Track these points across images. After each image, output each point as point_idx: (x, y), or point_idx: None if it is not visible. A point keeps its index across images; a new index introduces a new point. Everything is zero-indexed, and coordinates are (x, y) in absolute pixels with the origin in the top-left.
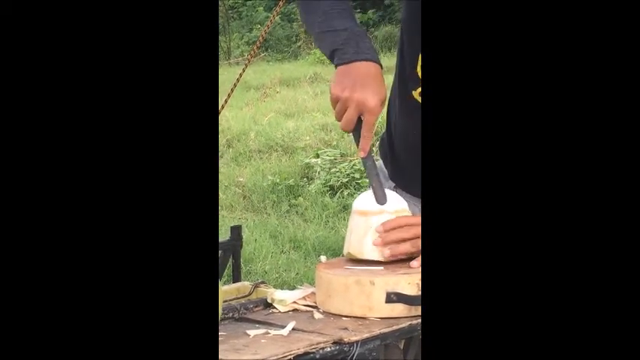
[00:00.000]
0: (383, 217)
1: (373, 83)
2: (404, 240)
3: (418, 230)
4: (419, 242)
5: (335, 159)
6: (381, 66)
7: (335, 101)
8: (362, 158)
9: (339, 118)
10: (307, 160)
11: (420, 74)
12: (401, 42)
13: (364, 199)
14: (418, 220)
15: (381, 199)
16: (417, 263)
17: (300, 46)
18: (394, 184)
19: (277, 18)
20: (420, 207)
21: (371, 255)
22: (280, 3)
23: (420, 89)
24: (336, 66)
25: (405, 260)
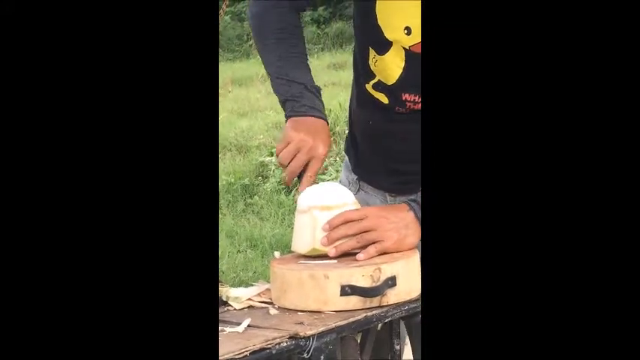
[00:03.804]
0: (331, 212)
1: (323, 135)
2: (348, 236)
3: (363, 225)
4: (364, 236)
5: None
6: (327, 124)
7: (288, 141)
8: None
9: (287, 158)
10: (262, 159)
11: (372, 68)
12: (355, 30)
13: (306, 197)
14: (362, 213)
15: None
16: (363, 256)
17: (251, 45)
18: (357, 177)
19: (227, 18)
20: (380, 199)
21: (302, 249)
22: (226, 1)
23: (372, 82)
24: (288, 116)
25: (354, 254)
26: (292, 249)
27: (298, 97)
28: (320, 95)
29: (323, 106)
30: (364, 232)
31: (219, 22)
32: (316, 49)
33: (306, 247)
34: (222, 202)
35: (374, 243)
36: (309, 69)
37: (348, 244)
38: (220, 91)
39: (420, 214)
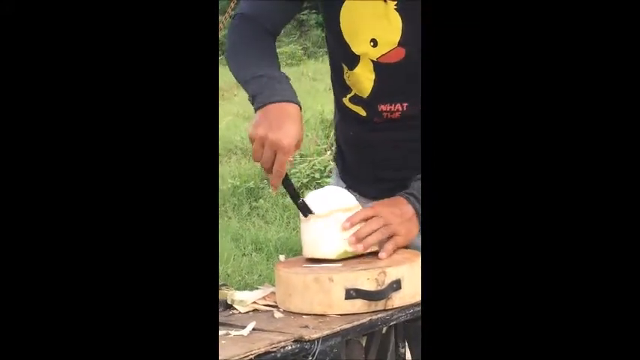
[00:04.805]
0: (339, 216)
1: (288, 123)
2: (374, 232)
3: (381, 220)
4: (386, 230)
5: (294, 160)
6: (299, 106)
7: (252, 140)
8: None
9: (256, 157)
10: None
11: (347, 82)
12: (328, 48)
13: (321, 201)
14: (375, 210)
15: (306, 214)
16: (385, 254)
17: None
18: (345, 185)
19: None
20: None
21: (331, 254)
22: (232, 4)
23: (349, 95)
24: (255, 110)
25: (372, 254)
26: (312, 255)
27: (259, 89)
28: (285, 81)
29: (289, 89)
30: (383, 225)
31: (225, 25)
32: (321, 52)
33: (337, 250)
34: (227, 205)
35: (390, 238)
36: (274, 65)
37: (374, 238)
38: (226, 94)
39: (417, 206)
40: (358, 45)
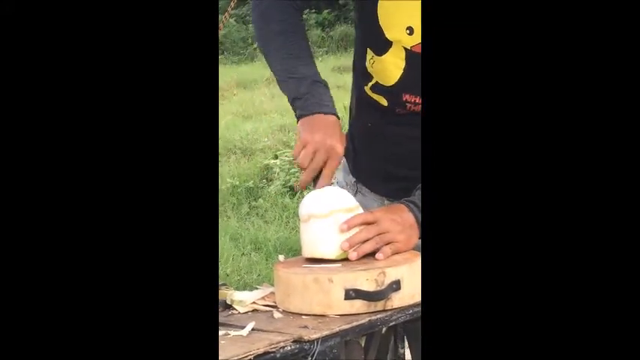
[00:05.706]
0: (353, 214)
1: (338, 133)
2: (368, 239)
3: (379, 227)
4: (382, 238)
5: (294, 159)
6: (338, 118)
7: (304, 144)
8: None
9: (305, 161)
10: (266, 162)
11: (369, 69)
12: (356, 32)
13: (322, 201)
14: (375, 216)
15: None
16: (382, 256)
17: (255, 48)
18: (355, 179)
19: (232, 20)
20: (378, 204)
21: (331, 254)
22: (232, 4)
23: (370, 84)
24: (299, 117)
25: (369, 255)
26: (312, 255)
27: (305, 94)
28: (328, 89)
29: (332, 99)
30: (380, 234)
31: (225, 24)
32: (321, 53)
33: (337, 250)
34: (226, 204)
35: (388, 244)
36: (315, 64)
37: (368, 247)
38: (225, 94)
39: (418, 215)
40: (392, 31)
